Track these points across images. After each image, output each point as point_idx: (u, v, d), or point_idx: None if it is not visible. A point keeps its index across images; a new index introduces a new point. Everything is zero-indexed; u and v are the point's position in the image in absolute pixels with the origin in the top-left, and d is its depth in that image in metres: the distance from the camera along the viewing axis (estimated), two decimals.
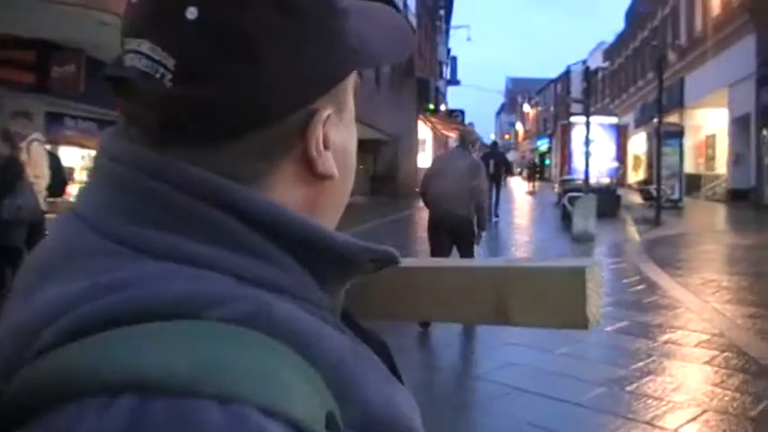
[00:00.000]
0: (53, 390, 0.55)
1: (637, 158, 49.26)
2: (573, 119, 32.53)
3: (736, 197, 30.16)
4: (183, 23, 0.66)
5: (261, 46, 0.67)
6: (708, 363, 7.25)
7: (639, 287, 11.54)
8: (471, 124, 60.91)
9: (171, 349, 0.56)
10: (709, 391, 6.42)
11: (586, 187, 21.23)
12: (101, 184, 0.71)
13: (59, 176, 9.18)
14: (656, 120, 24.89)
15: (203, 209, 0.67)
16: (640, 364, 7.19)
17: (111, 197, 0.69)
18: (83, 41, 12.94)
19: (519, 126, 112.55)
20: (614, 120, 32.77)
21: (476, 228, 8.98)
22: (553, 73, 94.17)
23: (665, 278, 12.27)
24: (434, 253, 8.78)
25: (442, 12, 54.25)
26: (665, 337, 8.29)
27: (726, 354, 7.52)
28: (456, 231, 8.78)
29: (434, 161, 11.57)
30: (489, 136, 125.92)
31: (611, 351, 7.69)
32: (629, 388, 6.46)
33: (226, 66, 0.67)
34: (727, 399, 6.19)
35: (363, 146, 35.54)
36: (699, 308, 9.86)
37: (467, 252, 8.81)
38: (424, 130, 43.94)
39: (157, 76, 0.66)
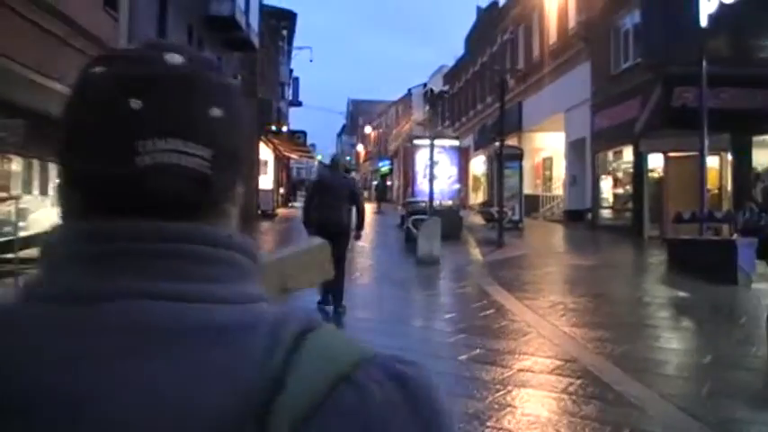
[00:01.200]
0: (328, 377, 0.75)
1: (476, 180, 50.18)
2: (416, 141, 32.68)
3: (573, 217, 31.04)
4: (211, 121, 0.84)
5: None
6: (564, 391, 7.11)
7: (489, 312, 11.46)
8: (313, 145, 60.84)
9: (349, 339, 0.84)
10: (568, 422, 6.25)
11: (431, 209, 21.22)
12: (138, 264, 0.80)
13: None
14: (497, 143, 25.23)
15: (240, 259, 0.86)
16: (498, 395, 6.97)
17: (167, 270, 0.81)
18: None
19: (360, 147, 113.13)
20: (456, 142, 33.12)
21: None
22: (394, 95, 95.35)
23: (513, 301, 12.27)
24: None
25: (284, 32, 53.95)
26: (520, 364, 8.15)
27: (581, 380, 7.41)
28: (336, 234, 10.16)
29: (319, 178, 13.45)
30: (331, 155, 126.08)
31: (467, 382, 7.42)
32: (489, 423, 6.21)
33: (242, 152, 0.89)
34: (587, 430, 6.03)
35: None
36: (549, 332, 9.82)
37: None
38: (265, 152, 43.34)
39: (195, 166, 0.82)
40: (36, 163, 20.61)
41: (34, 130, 18.56)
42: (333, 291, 11.20)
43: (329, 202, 11.27)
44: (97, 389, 0.72)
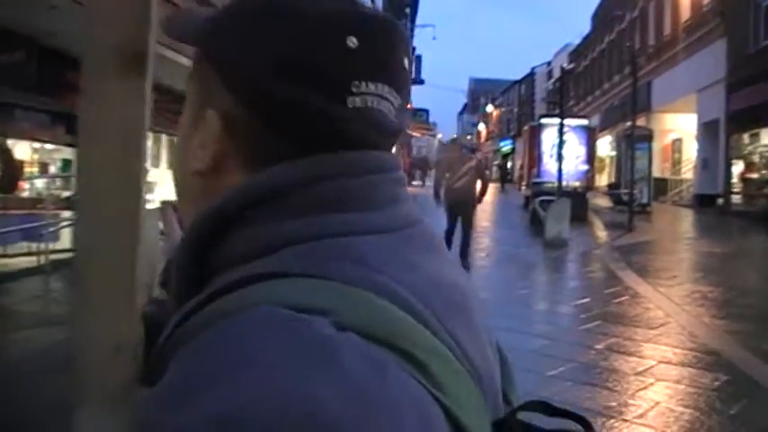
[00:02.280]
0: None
1: (601, 161, 49.06)
2: (543, 120, 32.03)
3: (703, 202, 29.87)
4: (404, 70, 0.83)
5: None
6: (709, 387, 6.68)
7: (623, 298, 11.02)
8: (435, 124, 60.70)
9: None
10: (717, 422, 5.84)
11: (559, 190, 20.69)
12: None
13: (10, 172, 8.43)
14: (627, 123, 24.46)
15: None
16: (638, 388, 6.59)
17: None
18: (33, 27, 12.17)
19: (481, 127, 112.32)
20: (584, 122, 32.36)
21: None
22: (516, 74, 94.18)
23: (647, 288, 11.79)
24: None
25: (407, 10, 53.74)
26: (659, 355, 7.72)
27: (727, 376, 6.96)
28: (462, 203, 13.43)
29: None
30: (452, 136, 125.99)
31: (606, 373, 7.05)
32: (631, 418, 5.86)
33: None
34: None
35: None
36: (688, 322, 9.35)
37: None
38: None
39: (390, 114, 0.82)
40: (164, 137, 21.03)
41: (162, 105, 18.97)
42: (461, 248, 13.34)
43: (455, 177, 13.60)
44: (449, 280, 0.81)
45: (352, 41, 0.77)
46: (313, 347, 0.60)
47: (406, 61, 0.83)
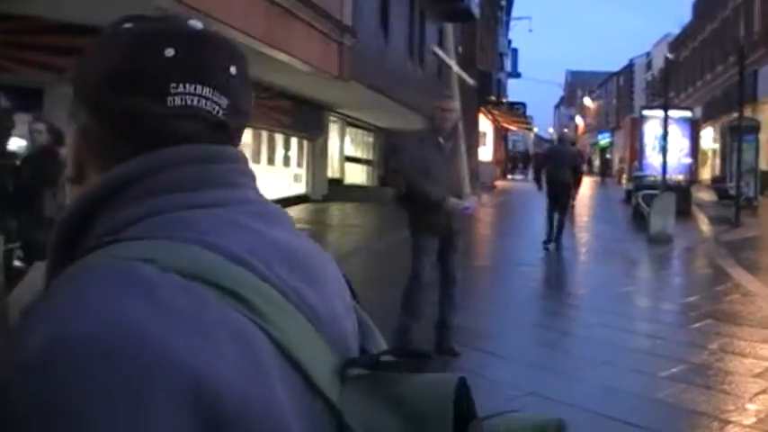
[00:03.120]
0: None
1: (704, 154, 47.76)
2: (645, 112, 31.25)
3: None
4: (230, 76, 0.98)
5: None
6: None
7: (734, 296, 10.57)
8: (531, 118, 59.88)
9: None
10: None
11: (663, 184, 20.11)
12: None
13: None
14: (734, 114, 23.65)
15: None
16: (758, 394, 6.26)
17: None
18: None
19: (578, 119, 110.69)
20: (688, 114, 31.47)
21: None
22: (614, 66, 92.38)
23: (759, 286, 11.26)
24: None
25: (503, 2, 53.26)
26: None
27: None
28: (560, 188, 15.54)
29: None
30: (548, 130, 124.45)
31: (722, 375, 6.74)
32: (751, 424, 5.56)
33: (248, 107, 1.02)
34: None
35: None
36: None
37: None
38: (484, 123, 42.96)
39: (214, 112, 0.96)
40: (264, 133, 21.19)
41: (261, 102, 19.12)
42: (556, 230, 15.23)
43: (557, 166, 15.65)
44: (289, 244, 0.95)
45: (170, 51, 0.93)
46: (136, 283, 0.77)
47: (233, 68, 0.98)
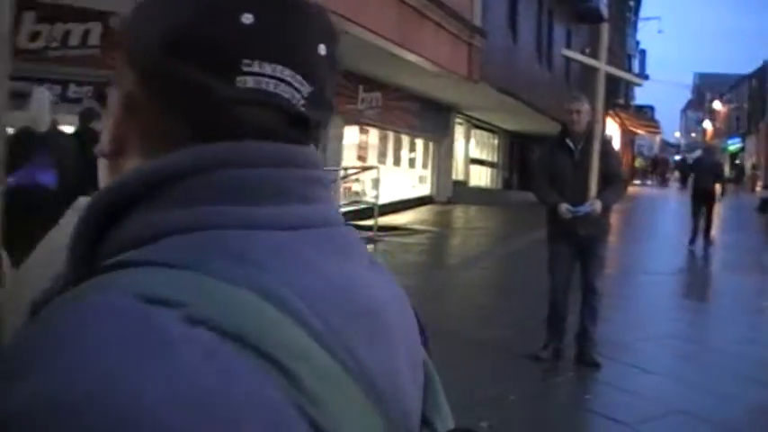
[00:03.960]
0: None
1: None
2: None
3: None
4: (318, 57, 0.79)
5: None
6: None
7: None
8: (658, 122, 58.49)
9: None
10: None
11: None
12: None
13: None
14: None
15: None
16: None
17: None
18: None
19: (707, 123, 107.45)
20: None
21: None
22: (745, 69, 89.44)
23: None
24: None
25: (631, 2, 52.15)
26: None
27: None
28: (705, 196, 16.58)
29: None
30: (674, 134, 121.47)
31: None
32: None
33: (334, 97, 0.84)
34: None
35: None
36: None
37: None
38: (611, 127, 42.12)
39: (293, 101, 0.77)
40: (390, 134, 21.24)
41: (389, 102, 19.17)
42: (704, 232, 16.68)
43: (702, 176, 16.94)
44: (359, 288, 0.77)
45: (248, 18, 0.75)
46: (149, 339, 0.59)
47: (322, 48, 0.80)
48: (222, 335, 0.62)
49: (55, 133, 6.20)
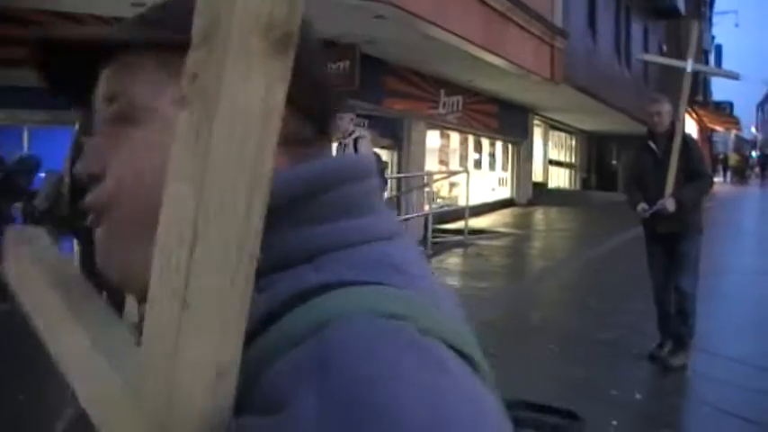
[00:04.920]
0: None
1: None
2: None
3: None
4: None
5: None
6: None
7: None
8: (737, 118, 57.23)
9: None
10: None
11: None
12: None
13: (381, 176, 8.75)
14: None
15: None
16: None
17: None
18: (355, 36, 12.62)
19: None
20: None
21: None
22: None
23: None
24: None
25: None
26: None
27: None
28: None
29: None
30: (750, 129, 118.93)
31: None
32: None
33: None
34: None
35: (631, 142, 33.98)
36: None
37: None
38: (688, 124, 41.42)
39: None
40: (471, 137, 21.22)
41: (469, 105, 19.14)
42: None
43: None
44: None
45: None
46: (426, 356, 0.58)
47: None
48: (447, 345, 0.61)
49: None
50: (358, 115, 12.36)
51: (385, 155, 15.47)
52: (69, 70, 0.83)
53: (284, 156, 0.72)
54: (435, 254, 13.20)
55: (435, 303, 0.67)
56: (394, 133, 16.05)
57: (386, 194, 11.97)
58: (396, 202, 14.92)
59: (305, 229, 0.69)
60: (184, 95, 0.52)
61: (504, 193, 24.10)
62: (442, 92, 17.69)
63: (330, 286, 0.63)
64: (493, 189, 23.15)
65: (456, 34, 12.69)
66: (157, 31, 0.76)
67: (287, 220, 0.69)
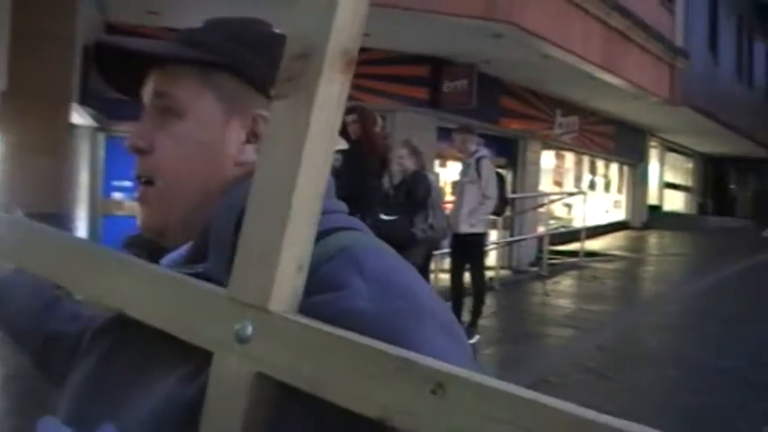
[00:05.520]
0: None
1: None
2: None
3: None
4: None
5: None
6: None
7: None
8: None
9: None
10: None
11: None
12: None
13: (503, 195, 8.75)
14: None
15: None
16: None
17: None
18: (473, 55, 12.63)
19: None
20: None
21: None
22: None
23: None
24: None
25: None
26: None
27: None
28: None
29: None
30: None
31: None
32: None
33: None
34: None
35: (751, 165, 33.04)
36: None
37: None
38: None
39: None
40: (586, 158, 20.96)
41: (585, 127, 18.91)
42: None
43: None
44: None
45: None
46: (400, 261, 0.95)
47: None
48: None
49: None
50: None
51: None
52: (123, 69, 1.08)
53: None
54: (551, 275, 13.05)
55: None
56: (509, 153, 15.99)
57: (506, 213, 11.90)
58: (509, 223, 14.81)
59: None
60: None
61: (619, 215, 23.70)
62: (558, 112, 17.54)
63: (335, 230, 0.95)
64: (607, 211, 22.79)
65: (575, 53, 12.59)
66: (199, 51, 1.02)
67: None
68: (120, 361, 0.98)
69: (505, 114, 15.34)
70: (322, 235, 0.89)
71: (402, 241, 7.13)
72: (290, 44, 0.77)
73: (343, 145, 7.02)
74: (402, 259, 0.95)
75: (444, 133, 12.58)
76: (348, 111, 7.09)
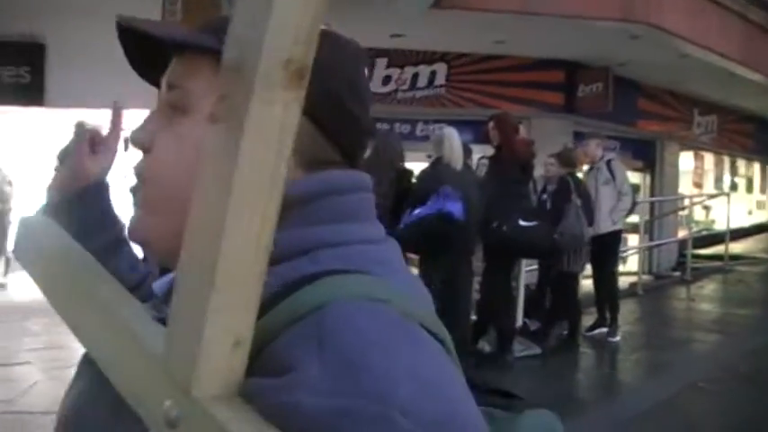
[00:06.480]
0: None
1: None
2: None
3: None
4: None
5: None
6: None
7: None
8: None
9: None
10: None
11: None
12: None
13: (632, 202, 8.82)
14: None
15: None
16: None
17: None
18: (607, 58, 12.49)
19: None
20: None
21: None
22: None
23: None
24: None
25: None
26: None
27: None
28: None
29: None
30: None
31: None
32: None
33: None
34: None
35: None
36: None
37: None
38: None
39: None
40: (726, 158, 20.38)
41: (725, 126, 18.36)
42: None
43: None
44: None
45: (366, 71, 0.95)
46: (404, 331, 0.71)
47: None
48: (422, 325, 0.74)
49: (464, 168, 6.51)
50: (609, 137, 12.24)
51: (636, 178, 15.16)
52: (148, 53, 0.95)
53: (301, 170, 0.85)
54: (694, 280, 12.74)
55: (410, 290, 0.82)
56: (646, 155, 15.70)
57: (637, 218, 11.71)
58: (648, 227, 14.53)
59: (306, 229, 0.82)
60: (214, 112, 0.62)
61: (762, 217, 22.90)
62: (696, 111, 17.09)
63: (320, 275, 0.75)
64: (750, 212, 22.06)
65: (715, 51, 12.27)
66: (215, 38, 0.82)
67: (294, 220, 0.80)
68: (107, 395, 0.82)
69: (642, 116, 15.06)
70: (309, 280, 0.74)
71: (542, 248, 7.15)
72: (225, 51, 0.62)
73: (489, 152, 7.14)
74: (417, 332, 0.73)
75: (581, 138, 12.46)
76: (490, 118, 7.17)
